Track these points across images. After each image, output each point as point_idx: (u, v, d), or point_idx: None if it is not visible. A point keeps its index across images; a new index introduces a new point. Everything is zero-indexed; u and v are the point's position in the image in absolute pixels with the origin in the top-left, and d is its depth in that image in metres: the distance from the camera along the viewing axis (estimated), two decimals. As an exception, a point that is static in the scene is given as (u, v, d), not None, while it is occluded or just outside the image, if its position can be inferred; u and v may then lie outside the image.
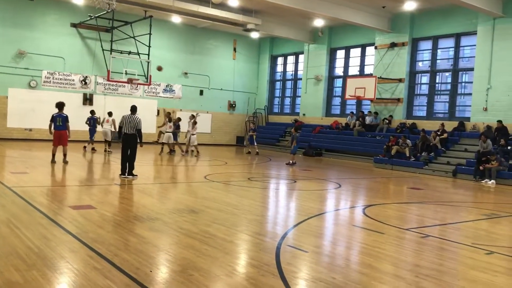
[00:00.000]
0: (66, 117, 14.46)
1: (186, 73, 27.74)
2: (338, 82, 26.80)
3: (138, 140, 12.19)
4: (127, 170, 12.06)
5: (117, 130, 13.08)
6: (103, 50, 24.01)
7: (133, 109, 12.45)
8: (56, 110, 14.56)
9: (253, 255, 6.04)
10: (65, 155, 14.57)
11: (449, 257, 6.58)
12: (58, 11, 23.47)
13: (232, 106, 29.94)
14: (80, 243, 5.87)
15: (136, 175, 12.20)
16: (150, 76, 22.51)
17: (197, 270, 5.18)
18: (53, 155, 14.36)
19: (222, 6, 21.48)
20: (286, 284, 4.77)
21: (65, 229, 6.51)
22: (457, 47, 21.05)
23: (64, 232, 6.39)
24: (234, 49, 29.70)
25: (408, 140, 19.70)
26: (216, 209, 9.01)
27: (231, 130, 30.00)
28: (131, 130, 12.05)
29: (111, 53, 22.44)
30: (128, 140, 12.08)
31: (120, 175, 12.09)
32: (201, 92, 28.51)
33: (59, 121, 14.34)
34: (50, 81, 23.65)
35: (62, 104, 14.69)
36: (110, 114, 19.34)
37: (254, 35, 27.07)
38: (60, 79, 23.91)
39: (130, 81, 22.29)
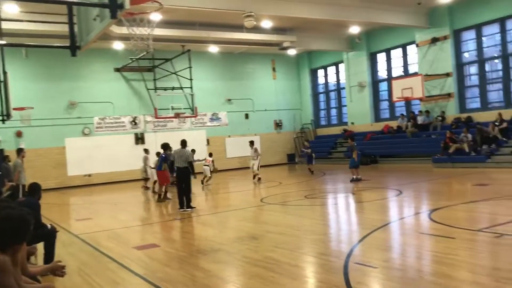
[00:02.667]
0: (163, 157, 15.10)
1: (229, 100, 28.10)
2: (383, 86, 26.25)
3: (191, 172, 12.40)
4: (185, 203, 12.24)
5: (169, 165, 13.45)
6: (147, 89, 24.82)
7: (183, 143, 12.71)
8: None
9: (320, 277, 5.89)
10: (160, 194, 15.16)
11: (530, 256, 6.15)
12: (102, 59, 24.50)
13: (278, 125, 29.97)
14: (149, 284, 5.94)
15: (195, 207, 12.35)
16: (196, 108, 22.94)
17: (266, 300, 5.10)
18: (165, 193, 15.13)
19: (256, 29, 21.71)
20: (359, 305, 4.59)
21: (133, 271, 6.62)
22: (503, 31, 20.12)
23: (132, 274, 6.51)
24: (273, 69, 29.86)
25: (469, 134, 18.85)
26: (276, 232, 8.92)
27: (281, 149, 29.94)
28: (183, 164, 12.28)
29: (155, 91, 23.11)
30: (181, 173, 12.30)
31: (179, 209, 12.28)
32: (247, 116, 28.75)
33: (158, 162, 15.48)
34: (102, 126, 24.61)
35: (165, 145, 15.07)
36: (210, 155, 20.04)
37: (291, 52, 27.11)
38: (111, 123, 24.84)
39: (177, 115, 22.79)
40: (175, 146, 13.33)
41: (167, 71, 24.50)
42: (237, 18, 18.39)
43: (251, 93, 28.99)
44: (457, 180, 15.02)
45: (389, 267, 5.99)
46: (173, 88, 24.55)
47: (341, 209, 11.73)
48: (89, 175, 24.09)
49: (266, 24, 21.03)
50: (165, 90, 24.24)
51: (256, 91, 29.24)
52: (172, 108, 22.44)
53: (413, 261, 6.43)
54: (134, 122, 25.35)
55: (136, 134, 25.34)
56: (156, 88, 23.39)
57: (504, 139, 18.04)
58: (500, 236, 7.06)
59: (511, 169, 16.39)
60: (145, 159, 19.05)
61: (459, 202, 10.49)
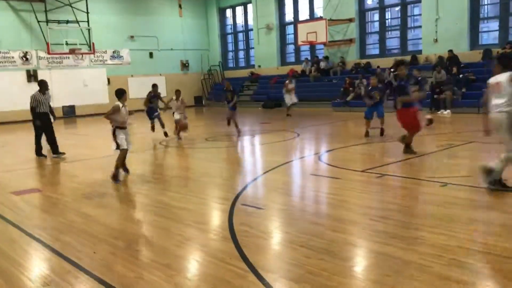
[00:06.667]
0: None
1: (132, 37, 26.59)
2: (290, 29, 26.25)
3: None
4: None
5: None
6: (38, 22, 22.60)
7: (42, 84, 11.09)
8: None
9: (205, 220, 5.85)
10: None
11: (403, 194, 6.57)
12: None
13: (185, 65, 29.11)
14: (20, 231, 5.51)
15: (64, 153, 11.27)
16: (93, 44, 21.43)
17: (144, 244, 4.95)
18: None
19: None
20: (237, 246, 4.59)
21: (4, 218, 6.11)
22: (403, -20, 20.79)
23: (3, 221, 5.99)
24: (180, 6, 28.54)
25: (364, 80, 19.61)
26: (171, 175, 8.75)
27: (188, 91, 29.11)
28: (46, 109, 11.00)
29: (47, 24, 21.12)
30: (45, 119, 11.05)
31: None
32: (151, 55, 27.51)
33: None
34: (-12, 61, 22.27)
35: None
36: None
37: (198, -12, 26.00)
38: (-2, 58, 22.55)
39: (72, 51, 21.19)
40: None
41: (61, 2, 22.39)
42: None
43: (156, 31, 27.63)
44: (353, 124, 15.64)
45: (274, 208, 6.08)
46: (67, 22, 22.59)
47: (238, 151, 11.78)
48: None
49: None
50: (58, 23, 22.24)
51: (162, 29, 27.90)
52: (67, 44, 20.78)
53: (298, 201, 6.60)
54: (25, 57, 23.20)
55: (28, 71, 23.26)
56: (48, 21, 21.34)
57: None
58: (381, 176, 7.45)
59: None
60: None
61: (350, 144, 10.95)
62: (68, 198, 7.15)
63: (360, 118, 16.15)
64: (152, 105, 13.95)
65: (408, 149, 9.14)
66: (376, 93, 11.68)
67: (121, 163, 8.11)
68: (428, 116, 12.57)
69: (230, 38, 30.31)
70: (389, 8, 21.85)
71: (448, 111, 16.18)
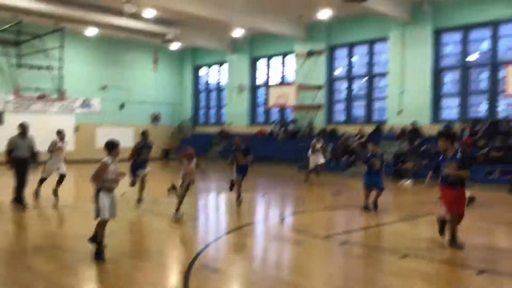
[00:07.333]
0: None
1: (105, 87, 26.65)
2: (262, 91, 26.93)
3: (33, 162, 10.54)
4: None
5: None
6: (10, 65, 22.42)
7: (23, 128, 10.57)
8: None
9: (160, 281, 5.66)
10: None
11: (364, 264, 6.57)
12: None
13: (155, 118, 29.17)
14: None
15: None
16: (63, 91, 21.31)
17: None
18: None
19: (138, 17, 20.85)
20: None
21: None
22: (371, 53, 21.86)
23: None
24: (155, 61, 28.99)
25: (324, 144, 20.04)
26: (128, 231, 8.54)
27: (157, 144, 29.04)
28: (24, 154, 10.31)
29: (17, 68, 20.95)
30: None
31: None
32: (122, 106, 27.51)
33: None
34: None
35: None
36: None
37: (175, 46, 26.58)
38: (-37, 98, 22.06)
39: (41, 97, 20.98)
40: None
41: (35, 47, 22.40)
42: (118, 2, 17.50)
43: (130, 83, 27.81)
44: (317, 187, 15.79)
45: (232, 272, 5.97)
46: (39, 68, 22.48)
47: (202, 209, 11.64)
48: None
49: (149, 13, 20.31)
50: (30, 68, 22.12)
51: (135, 81, 28.12)
52: (37, 89, 20.61)
53: (258, 266, 6.50)
54: (-8, 99, 22.76)
55: (-7, 113, 22.78)
56: (20, 65, 21.20)
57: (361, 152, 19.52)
58: (344, 243, 7.46)
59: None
60: None
61: (315, 209, 11.00)
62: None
63: (323, 182, 16.36)
64: (140, 158, 10.91)
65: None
66: (377, 160, 10.60)
67: (101, 235, 6.29)
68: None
69: (203, 95, 30.78)
70: (357, 79, 22.81)
71: (410, 181, 16.60)
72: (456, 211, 6.85)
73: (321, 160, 16.48)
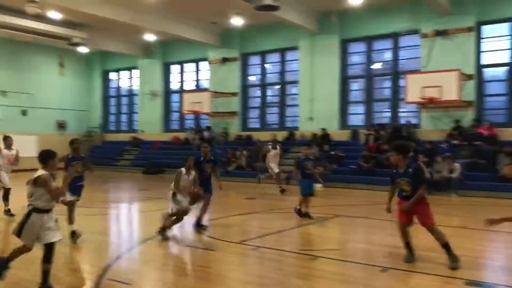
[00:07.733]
0: None
1: (4, 92, 24.78)
2: (175, 97, 26.54)
3: None
4: None
5: None
6: None
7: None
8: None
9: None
10: None
11: (275, 267, 6.66)
12: None
13: (61, 125, 27.62)
14: None
15: None
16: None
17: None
18: None
19: (43, 19, 19.67)
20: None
21: None
22: (283, 61, 22.45)
23: None
24: (61, 65, 27.51)
25: (245, 151, 20.26)
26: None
27: (63, 152, 27.54)
28: None
29: None
30: None
31: None
32: (24, 112, 25.73)
33: None
34: None
35: None
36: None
37: (82, 49, 25.34)
38: None
39: None
40: None
41: None
42: (20, 1, 16.39)
43: (33, 88, 26.09)
44: (232, 193, 15.85)
45: (144, 284, 5.78)
46: None
47: (113, 220, 11.20)
48: None
49: (54, 15, 19.25)
50: None
51: (39, 86, 26.44)
52: None
53: (171, 276, 6.35)
54: None
55: None
56: None
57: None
58: (256, 248, 7.52)
59: (284, 185, 17.64)
60: None
61: (229, 215, 11.00)
62: None
63: (240, 188, 16.47)
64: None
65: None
66: (309, 164, 10.17)
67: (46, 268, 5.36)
68: None
69: (113, 101, 29.70)
70: (270, 86, 23.28)
71: (320, 184, 17.19)
72: (430, 223, 6.37)
73: (276, 169, 15.71)
